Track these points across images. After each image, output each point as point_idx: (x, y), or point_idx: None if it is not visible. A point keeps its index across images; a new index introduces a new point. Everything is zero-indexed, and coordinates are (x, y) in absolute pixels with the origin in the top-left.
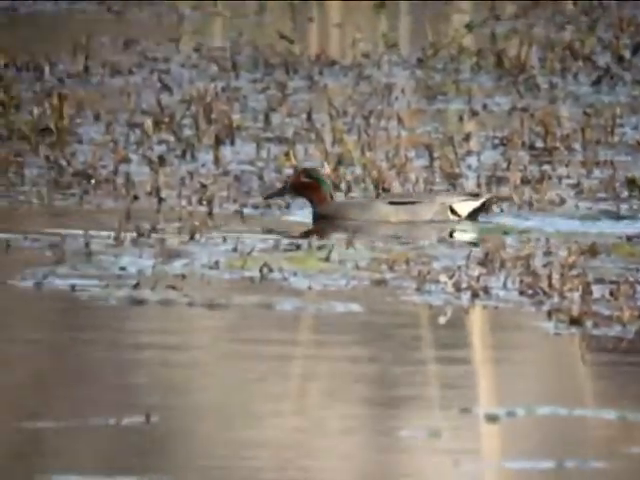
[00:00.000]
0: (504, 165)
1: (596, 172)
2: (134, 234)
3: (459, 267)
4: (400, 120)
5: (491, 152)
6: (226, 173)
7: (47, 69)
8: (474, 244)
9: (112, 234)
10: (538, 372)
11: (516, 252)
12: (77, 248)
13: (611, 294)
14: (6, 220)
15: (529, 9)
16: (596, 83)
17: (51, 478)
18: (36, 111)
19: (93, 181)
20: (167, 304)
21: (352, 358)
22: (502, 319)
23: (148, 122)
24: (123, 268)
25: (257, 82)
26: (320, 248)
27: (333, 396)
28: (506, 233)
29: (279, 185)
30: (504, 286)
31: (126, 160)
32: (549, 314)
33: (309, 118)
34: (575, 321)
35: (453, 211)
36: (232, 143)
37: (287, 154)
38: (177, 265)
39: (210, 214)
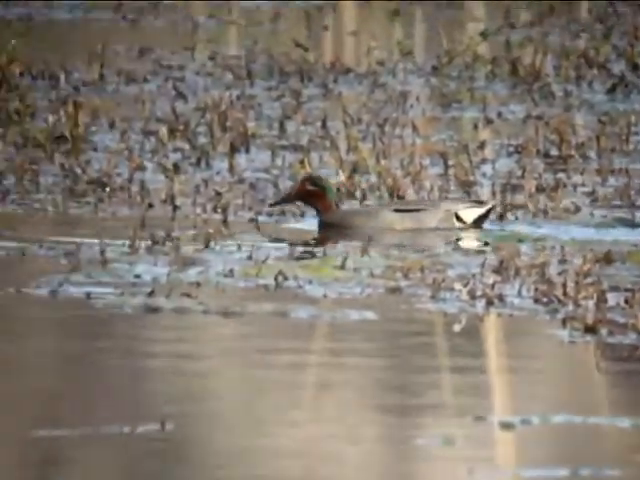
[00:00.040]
0: (519, 173)
1: (611, 180)
2: (149, 242)
3: (474, 275)
4: (415, 128)
5: (506, 160)
6: (241, 181)
7: (62, 77)
8: (482, 252)
9: (127, 242)
10: (553, 380)
11: (531, 260)
12: (92, 256)
13: (626, 302)
14: (21, 228)
15: (544, 17)
16: (611, 91)
17: None
18: (51, 119)
19: (108, 189)
20: (182, 312)
21: (367, 366)
22: (517, 327)
23: (163, 130)
24: (138, 276)
25: (272, 90)
26: (333, 256)
27: (348, 404)
28: (521, 241)
29: (284, 193)
30: (519, 294)
31: (141, 168)
32: (564, 322)
33: (324, 126)
34: (590, 329)
35: (458, 218)
36: (247, 151)
37: (302, 162)
38: (192, 273)
39: (225, 222)
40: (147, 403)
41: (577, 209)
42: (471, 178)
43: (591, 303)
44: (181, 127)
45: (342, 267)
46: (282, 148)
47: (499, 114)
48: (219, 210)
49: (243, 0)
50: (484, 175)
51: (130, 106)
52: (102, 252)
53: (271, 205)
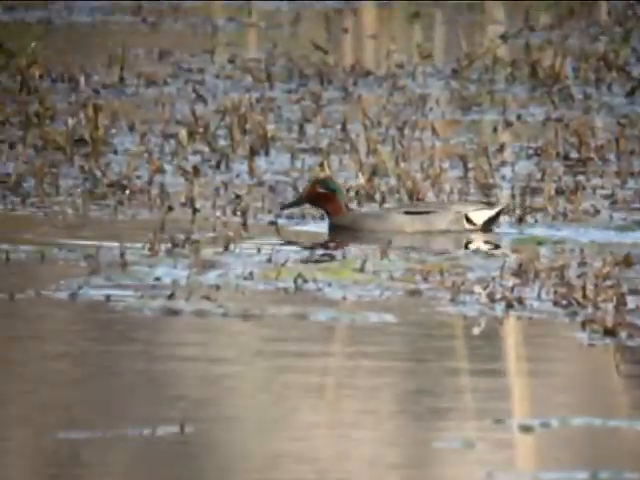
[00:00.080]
0: (538, 176)
1: (630, 182)
2: (169, 245)
3: (493, 278)
4: (434, 131)
5: (525, 163)
6: (260, 184)
7: (82, 80)
8: (501, 255)
9: (147, 245)
10: (572, 383)
11: (550, 263)
12: (112, 259)
13: None
14: (41, 231)
15: (564, 20)
16: (630, 94)
17: None
18: (71, 122)
19: (128, 192)
20: (201, 315)
21: (386, 369)
22: (536, 330)
23: (183, 133)
24: (158, 279)
25: (292, 93)
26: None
27: (367, 407)
28: (540, 243)
29: (295, 196)
30: (538, 297)
31: (161, 171)
32: (583, 325)
33: (343, 129)
34: (609, 332)
35: (468, 220)
36: (266, 154)
37: (321, 165)
38: (211, 276)
39: (244, 225)
40: (166, 406)
41: (596, 212)
42: (491, 181)
43: (610, 306)
44: (201, 130)
45: (361, 270)
46: (302, 151)
47: (519, 117)
48: (239, 213)
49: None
50: (503, 178)
51: (150, 109)
52: (122, 255)
53: (282, 208)
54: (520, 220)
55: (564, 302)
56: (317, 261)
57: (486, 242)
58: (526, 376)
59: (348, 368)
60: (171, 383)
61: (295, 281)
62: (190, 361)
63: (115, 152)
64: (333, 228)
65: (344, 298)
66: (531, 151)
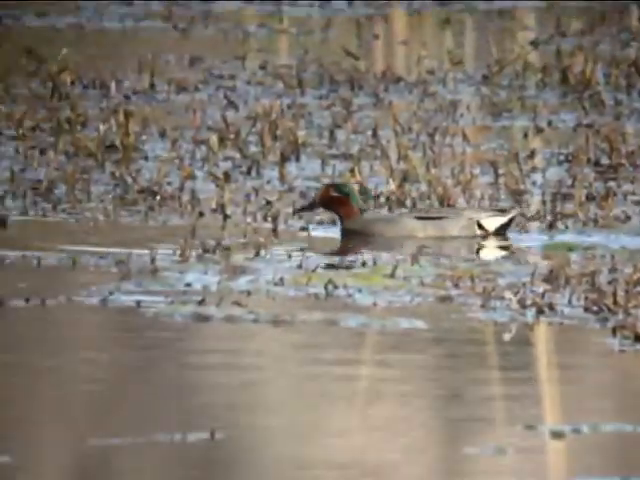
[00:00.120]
0: (569, 182)
1: None
2: (199, 250)
3: (524, 284)
4: (465, 137)
5: (556, 169)
6: (291, 190)
7: (113, 86)
8: (532, 261)
9: (177, 250)
10: (603, 389)
11: (581, 269)
12: (142, 265)
13: None
14: (72, 237)
15: (595, 26)
16: None
17: None
18: (102, 128)
19: (159, 198)
20: (232, 320)
21: (417, 375)
22: (567, 336)
23: (214, 139)
24: (188, 284)
25: (322, 99)
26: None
27: (398, 413)
28: (571, 250)
29: (309, 200)
30: (569, 303)
31: (192, 177)
32: (614, 331)
33: (374, 135)
34: None
35: (480, 226)
36: (297, 160)
37: (352, 171)
38: (242, 281)
39: (275, 230)
40: (197, 412)
41: (627, 218)
42: (521, 187)
43: None
44: (232, 136)
45: (392, 276)
46: (332, 157)
47: (549, 123)
48: (269, 219)
49: (295, 8)
50: (534, 184)
51: (181, 115)
52: (152, 261)
53: (294, 212)
54: (551, 226)
55: (595, 308)
56: (348, 267)
57: (500, 247)
58: (557, 382)
59: (379, 374)
60: (201, 389)
61: (326, 287)
62: (220, 367)
63: (146, 158)
64: (345, 233)
65: (375, 304)
66: (562, 157)
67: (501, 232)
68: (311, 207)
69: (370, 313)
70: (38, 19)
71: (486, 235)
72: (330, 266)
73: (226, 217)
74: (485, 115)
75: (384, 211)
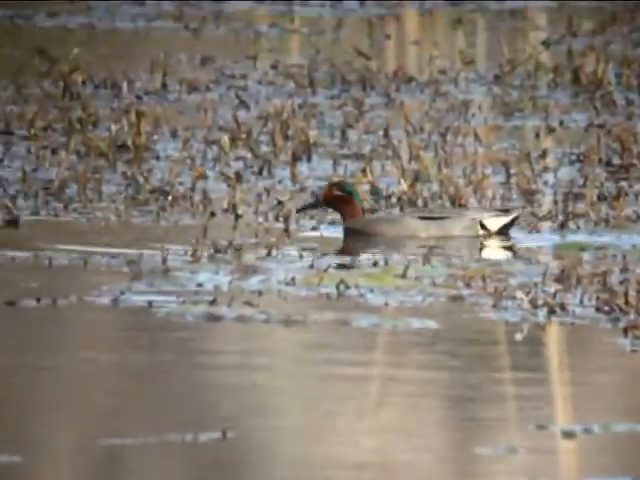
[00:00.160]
0: (581, 182)
1: None
2: (211, 250)
3: (535, 284)
4: (477, 137)
5: (568, 169)
6: (303, 189)
7: (125, 86)
8: (544, 261)
9: (189, 250)
10: (614, 389)
11: (592, 269)
12: (154, 264)
13: None
14: (84, 236)
15: (606, 26)
16: None
17: None
18: (114, 128)
19: (170, 198)
20: (244, 320)
21: (428, 375)
22: (578, 336)
23: (225, 139)
24: (200, 284)
25: (334, 99)
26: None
27: (410, 413)
28: (582, 249)
29: (312, 198)
30: (580, 303)
31: (203, 176)
32: (625, 331)
33: (386, 134)
34: None
35: (483, 226)
36: (309, 160)
37: (364, 171)
38: (254, 281)
39: (287, 230)
40: (208, 412)
41: (639, 218)
42: (533, 187)
43: None
44: (243, 136)
45: (403, 276)
46: (344, 157)
47: (561, 123)
48: (281, 219)
49: (306, 8)
50: (546, 184)
51: (192, 115)
52: (164, 261)
53: (298, 211)
54: (562, 226)
55: (606, 308)
56: (359, 267)
57: (503, 247)
58: (568, 382)
59: (390, 374)
60: (213, 389)
61: (337, 287)
62: (232, 367)
63: (157, 158)
64: (347, 232)
65: (386, 304)
66: (573, 157)
67: (504, 232)
68: (314, 205)
69: (382, 313)
70: (50, 19)
71: (489, 235)
72: (342, 266)
73: (238, 217)
74: (497, 115)
75: (395, 211)
